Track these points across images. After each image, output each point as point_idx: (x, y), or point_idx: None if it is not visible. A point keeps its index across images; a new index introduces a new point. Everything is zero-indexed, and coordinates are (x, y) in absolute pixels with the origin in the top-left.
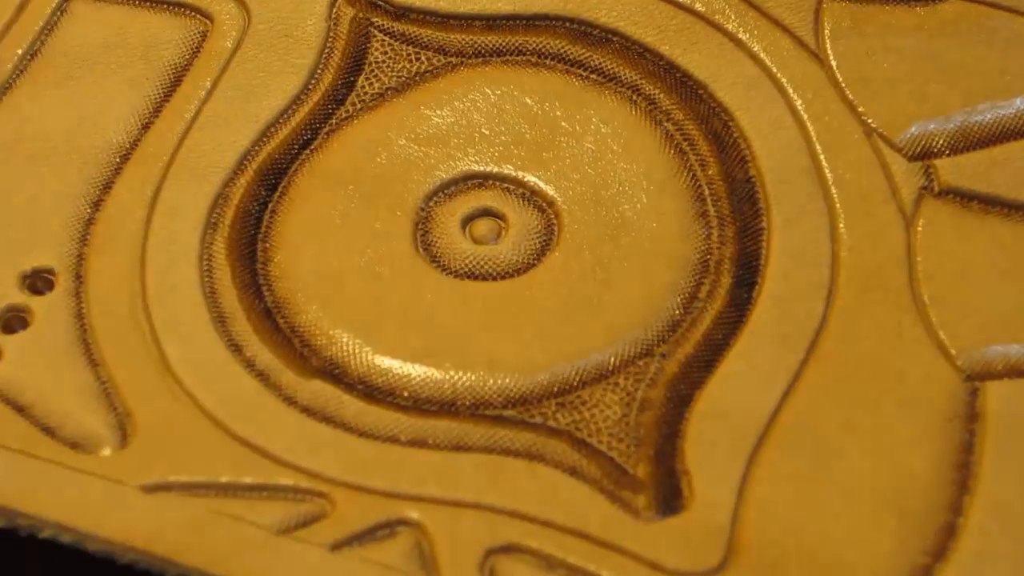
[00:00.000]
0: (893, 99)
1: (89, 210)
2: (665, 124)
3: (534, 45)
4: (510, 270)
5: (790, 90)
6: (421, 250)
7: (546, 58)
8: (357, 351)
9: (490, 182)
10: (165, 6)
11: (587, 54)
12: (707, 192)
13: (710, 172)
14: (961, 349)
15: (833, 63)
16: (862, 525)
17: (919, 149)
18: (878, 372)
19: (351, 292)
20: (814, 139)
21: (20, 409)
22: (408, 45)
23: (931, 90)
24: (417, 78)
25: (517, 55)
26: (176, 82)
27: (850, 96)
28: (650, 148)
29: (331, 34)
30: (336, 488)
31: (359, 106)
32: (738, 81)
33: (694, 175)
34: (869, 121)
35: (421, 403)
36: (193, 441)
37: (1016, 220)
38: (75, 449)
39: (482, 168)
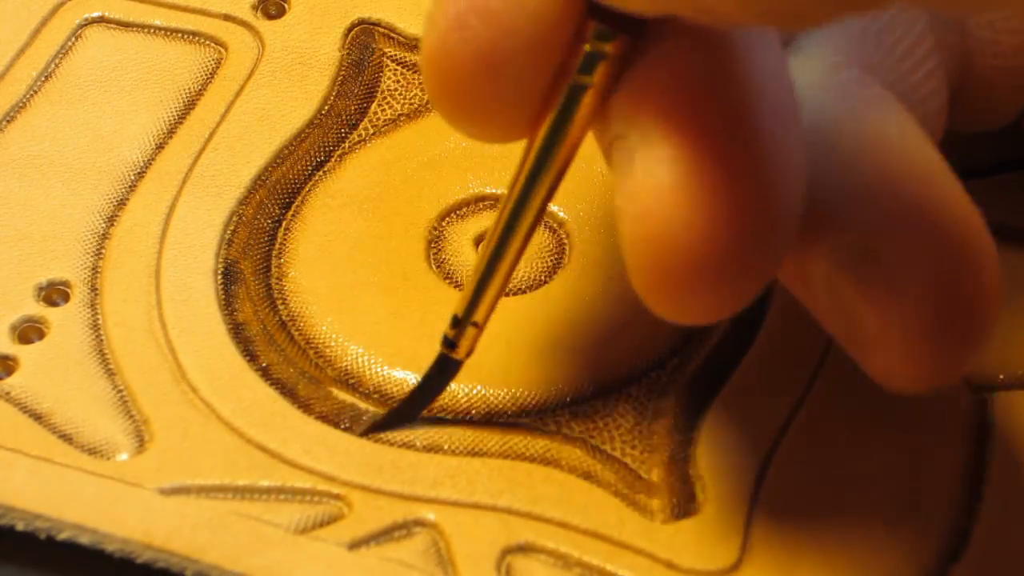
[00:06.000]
0: None
1: (104, 225)
2: None
3: None
4: (523, 287)
5: None
6: (434, 267)
7: None
8: (372, 362)
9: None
10: (179, 34)
11: None
12: None
13: None
14: None
15: None
16: (875, 527)
17: None
18: None
19: (365, 306)
20: None
21: (37, 417)
22: (421, 74)
23: None
24: (429, 105)
25: None
26: (190, 105)
27: None
28: None
29: (344, 62)
30: (352, 490)
31: (372, 131)
32: None
33: None
34: None
35: (436, 411)
36: (210, 446)
37: (1018, 243)
38: (92, 455)
39: (494, 190)
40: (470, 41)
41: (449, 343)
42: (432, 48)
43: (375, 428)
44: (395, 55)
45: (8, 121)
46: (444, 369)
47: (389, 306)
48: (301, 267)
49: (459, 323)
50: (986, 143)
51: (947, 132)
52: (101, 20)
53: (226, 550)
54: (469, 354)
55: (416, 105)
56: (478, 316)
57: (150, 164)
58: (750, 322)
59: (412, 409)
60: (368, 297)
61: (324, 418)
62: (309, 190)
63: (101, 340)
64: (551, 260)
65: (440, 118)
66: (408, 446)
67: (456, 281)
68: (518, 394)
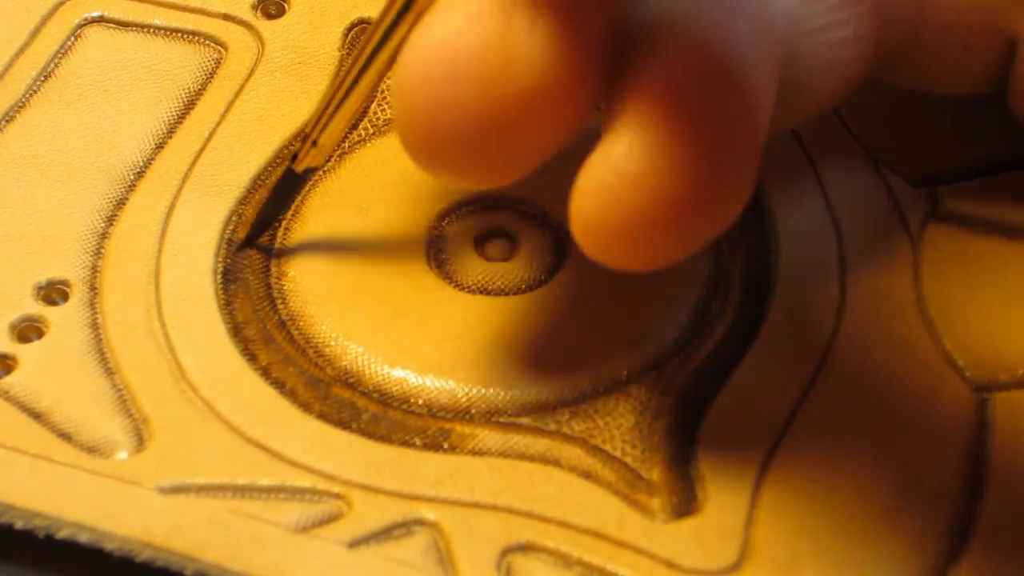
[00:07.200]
0: (897, 126)
1: (103, 225)
2: None
3: None
4: (522, 286)
5: None
6: (434, 267)
7: None
8: (371, 361)
9: (501, 204)
10: (179, 34)
11: None
12: None
13: None
14: (969, 361)
15: None
16: (875, 527)
17: (924, 175)
18: (888, 383)
19: (365, 306)
20: (820, 163)
21: (37, 416)
22: None
23: (935, 119)
24: None
25: None
26: (190, 105)
27: (856, 124)
28: None
29: (344, 62)
30: (352, 489)
31: (371, 131)
32: None
33: None
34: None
35: (436, 411)
36: (209, 445)
37: (1018, 241)
38: (92, 454)
39: (493, 191)
40: None
41: (293, 157)
42: None
43: (242, 246)
44: None
45: (8, 121)
46: (289, 182)
47: (389, 306)
48: (301, 267)
49: (303, 139)
50: (986, 143)
51: (949, 132)
52: (100, 20)
53: (225, 549)
54: (310, 171)
55: None
56: (322, 138)
57: (150, 164)
58: (750, 322)
59: (265, 219)
60: (367, 298)
61: (324, 417)
62: (309, 190)
63: (100, 339)
64: (550, 259)
65: None
66: (408, 444)
67: (456, 281)
68: (518, 394)
